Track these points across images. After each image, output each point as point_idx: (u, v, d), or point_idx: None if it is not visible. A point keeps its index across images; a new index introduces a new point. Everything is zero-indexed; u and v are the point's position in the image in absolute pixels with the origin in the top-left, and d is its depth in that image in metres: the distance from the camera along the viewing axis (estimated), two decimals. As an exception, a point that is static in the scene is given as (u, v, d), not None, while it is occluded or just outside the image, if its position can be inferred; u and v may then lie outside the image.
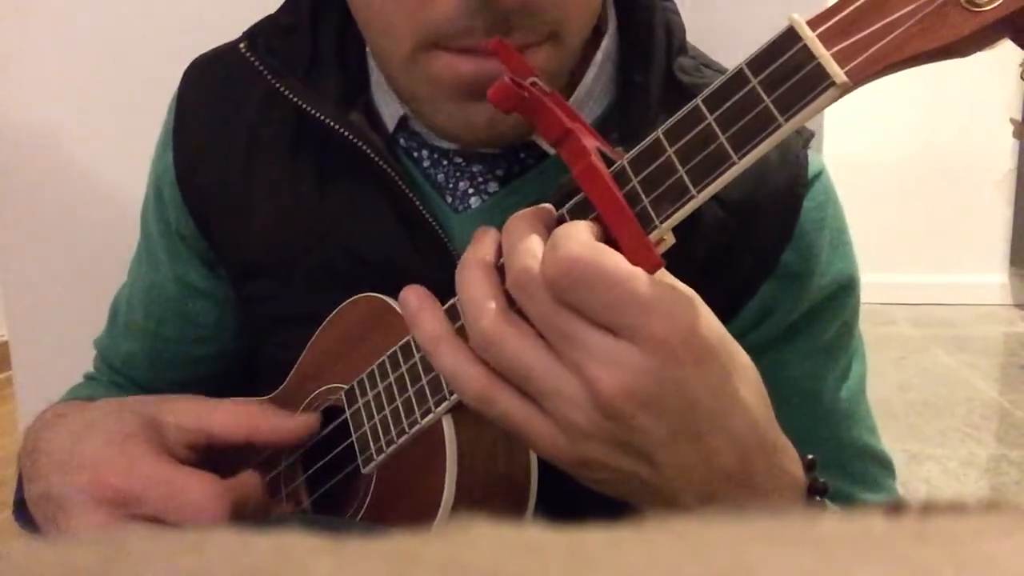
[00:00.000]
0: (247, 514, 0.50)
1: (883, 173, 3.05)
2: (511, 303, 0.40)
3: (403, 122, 0.56)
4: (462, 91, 0.48)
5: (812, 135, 0.57)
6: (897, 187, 3.08)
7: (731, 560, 0.12)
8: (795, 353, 0.56)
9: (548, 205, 0.43)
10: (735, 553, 0.12)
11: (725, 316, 0.55)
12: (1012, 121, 2.91)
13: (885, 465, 0.61)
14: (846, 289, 0.57)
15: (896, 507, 0.14)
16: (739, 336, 0.55)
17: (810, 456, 0.44)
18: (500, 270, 0.41)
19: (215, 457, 0.52)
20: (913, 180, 3.08)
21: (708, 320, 0.39)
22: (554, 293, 0.37)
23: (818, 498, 0.43)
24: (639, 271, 0.37)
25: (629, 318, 0.36)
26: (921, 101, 3.00)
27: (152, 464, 0.49)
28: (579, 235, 0.37)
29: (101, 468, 0.49)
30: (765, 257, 0.54)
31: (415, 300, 0.44)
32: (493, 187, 0.56)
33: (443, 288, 0.53)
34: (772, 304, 0.55)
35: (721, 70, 0.56)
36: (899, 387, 2.23)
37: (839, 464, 0.58)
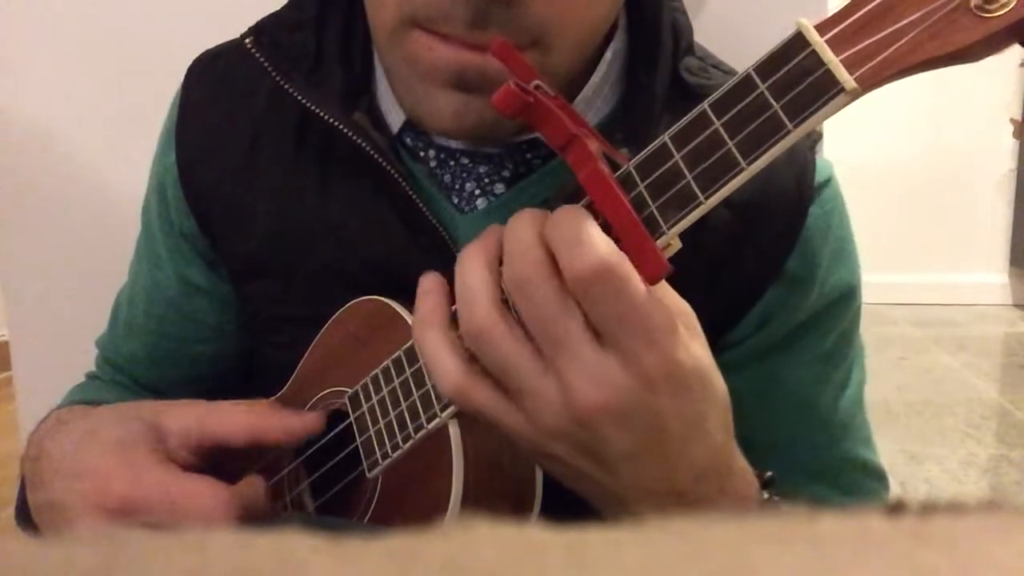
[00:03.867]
0: (253, 518, 0.50)
1: (883, 174, 3.05)
2: (506, 301, 0.40)
3: (410, 122, 0.55)
4: (435, 76, 0.47)
5: (820, 136, 0.56)
6: (897, 187, 3.08)
7: (731, 560, 0.12)
8: (793, 361, 0.56)
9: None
10: (735, 553, 0.12)
11: (728, 321, 0.55)
12: (1012, 121, 2.91)
13: (877, 477, 0.61)
14: (846, 298, 0.57)
15: (896, 507, 0.14)
16: (740, 341, 0.56)
17: (769, 473, 0.45)
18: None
19: (218, 461, 0.52)
20: (913, 180, 3.08)
21: (695, 352, 0.39)
22: (573, 288, 0.37)
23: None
24: (654, 297, 0.37)
25: (629, 341, 0.37)
26: (921, 101, 3.00)
27: (157, 472, 0.49)
28: (604, 239, 0.37)
29: (105, 477, 0.48)
30: (770, 261, 0.54)
31: (426, 283, 0.44)
32: (500, 188, 0.55)
33: None
34: (774, 310, 0.55)
35: (730, 71, 0.56)
36: (899, 387, 2.23)
37: (831, 474, 0.58)
